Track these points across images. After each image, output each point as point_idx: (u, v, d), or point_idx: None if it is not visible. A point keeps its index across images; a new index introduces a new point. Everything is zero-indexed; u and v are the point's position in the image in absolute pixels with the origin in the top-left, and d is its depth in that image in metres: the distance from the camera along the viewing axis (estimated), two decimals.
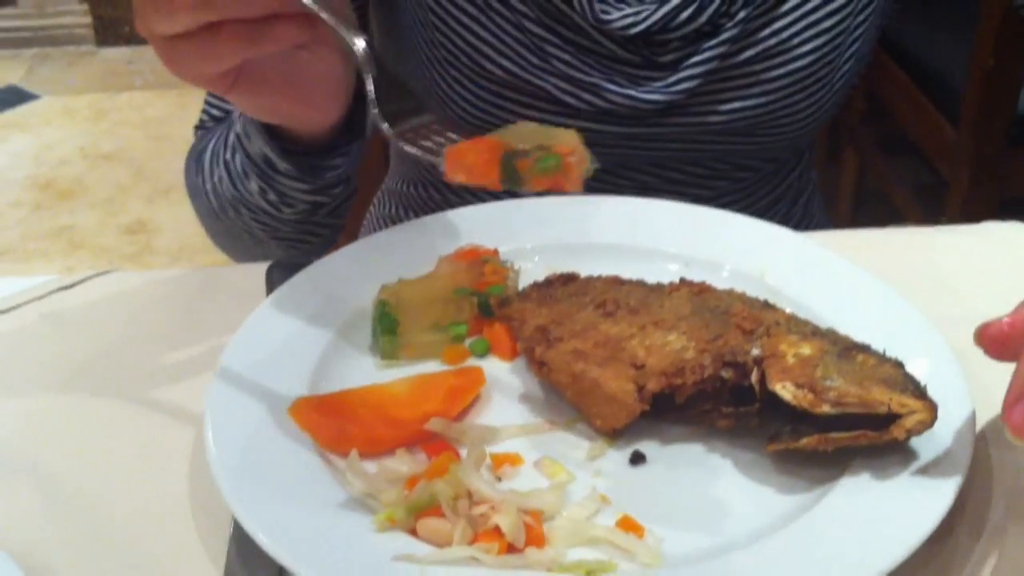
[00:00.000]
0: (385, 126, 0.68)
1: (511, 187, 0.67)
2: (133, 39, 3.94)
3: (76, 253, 2.94)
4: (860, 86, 2.35)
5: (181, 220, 3.02)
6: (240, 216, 0.92)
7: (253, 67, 0.71)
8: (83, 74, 3.85)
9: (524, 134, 0.68)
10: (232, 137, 0.88)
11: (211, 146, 0.93)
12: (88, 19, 3.92)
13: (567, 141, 0.67)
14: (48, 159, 3.36)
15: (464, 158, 0.66)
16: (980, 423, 0.67)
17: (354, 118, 0.84)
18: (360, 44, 0.67)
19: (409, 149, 0.67)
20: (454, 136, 0.69)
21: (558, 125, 0.92)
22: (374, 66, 0.68)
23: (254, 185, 0.87)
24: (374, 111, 0.68)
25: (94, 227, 3.06)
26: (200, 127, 1.00)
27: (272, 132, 0.83)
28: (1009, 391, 0.57)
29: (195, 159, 0.96)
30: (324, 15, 0.66)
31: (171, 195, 3.13)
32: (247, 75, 0.72)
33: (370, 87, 0.68)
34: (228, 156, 0.89)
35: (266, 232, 0.92)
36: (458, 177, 0.66)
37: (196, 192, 0.96)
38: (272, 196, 0.87)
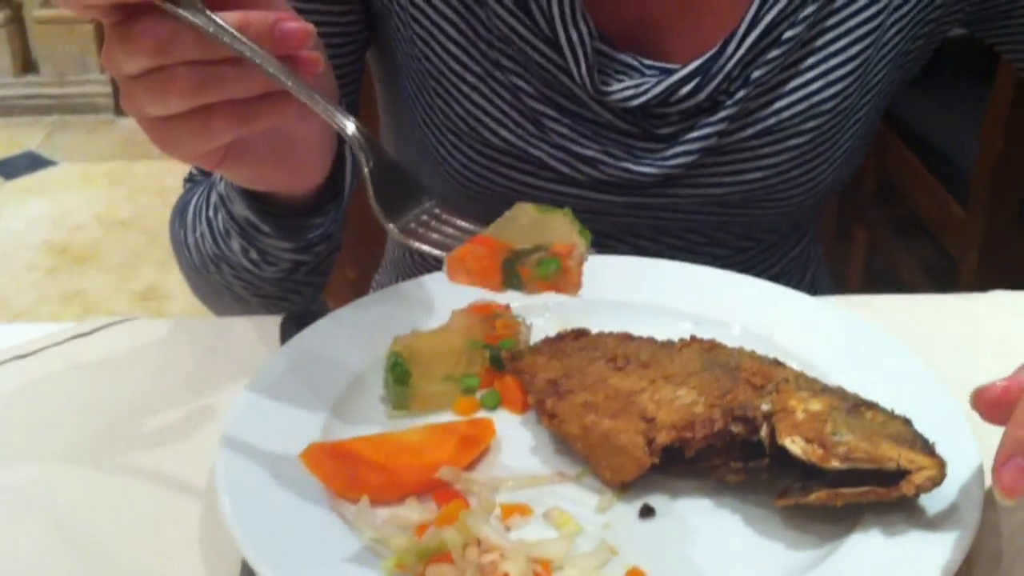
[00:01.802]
0: (391, 227, 0.66)
1: (512, 289, 0.67)
2: None
3: (88, 317, 2.95)
4: (870, 165, 2.38)
5: None
6: (221, 272, 0.92)
7: (244, 142, 0.70)
8: (102, 142, 3.90)
9: (522, 227, 0.67)
10: (215, 196, 0.88)
11: (194, 201, 0.93)
12: (108, 88, 3.98)
13: (563, 234, 0.66)
14: (64, 224, 3.40)
15: (465, 263, 0.66)
16: (989, 481, 0.67)
17: (335, 177, 0.83)
18: (350, 127, 0.66)
19: (414, 245, 0.66)
20: (457, 222, 0.67)
21: (556, 192, 0.94)
22: (368, 150, 0.66)
23: (236, 244, 0.87)
24: (373, 204, 0.66)
25: (107, 292, 3.08)
26: (189, 180, 1.00)
27: (254, 195, 0.82)
28: (999, 452, 0.58)
29: (179, 213, 0.96)
30: (314, 100, 0.64)
31: None
32: (238, 150, 0.71)
33: (368, 183, 0.66)
34: (210, 214, 0.89)
35: (247, 290, 0.92)
36: (460, 281, 0.66)
37: (179, 246, 0.96)
38: (254, 255, 0.87)
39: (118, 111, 4.01)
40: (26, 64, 4.04)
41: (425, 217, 0.67)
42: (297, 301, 0.94)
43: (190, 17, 0.60)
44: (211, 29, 0.60)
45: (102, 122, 4.02)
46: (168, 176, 3.62)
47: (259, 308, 0.95)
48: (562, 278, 0.65)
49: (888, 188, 2.41)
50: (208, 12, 0.61)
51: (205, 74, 0.62)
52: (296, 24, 0.62)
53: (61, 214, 3.46)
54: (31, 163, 3.72)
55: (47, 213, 3.46)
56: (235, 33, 0.61)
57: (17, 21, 4.01)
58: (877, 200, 2.52)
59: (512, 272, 0.65)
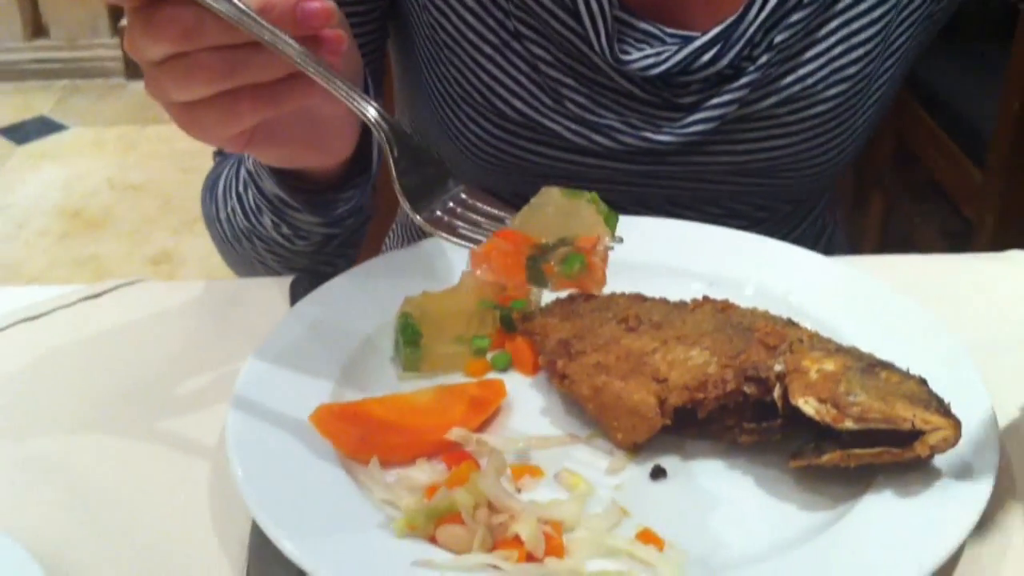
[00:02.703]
0: (417, 218, 0.65)
1: (536, 286, 0.67)
2: None
3: (101, 282, 2.96)
4: (888, 130, 2.36)
5: (206, 251, 3.04)
6: (254, 247, 0.92)
7: (269, 123, 0.70)
8: (113, 106, 3.90)
9: (547, 216, 0.66)
10: (244, 172, 0.88)
11: (224, 176, 0.93)
12: (119, 52, 3.96)
13: (589, 224, 0.66)
14: (77, 189, 3.40)
15: (489, 259, 0.65)
16: (1004, 443, 0.67)
17: (363, 151, 0.83)
18: (372, 113, 0.65)
19: (441, 235, 0.65)
20: (484, 208, 0.67)
21: (571, 163, 0.93)
22: (392, 136, 0.65)
23: (267, 220, 0.87)
24: (399, 194, 0.65)
25: (120, 257, 3.09)
26: (219, 153, 1.00)
27: (283, 172, 0.82)
28: None
29: (209, 187, 0.96)
30: (335, 85, 0.63)
31: (197, 227, 3.15)
32: (262, 131, 0.71)
33: (393, 172, 0.66)
34: (240, 189, 0.89)
35: (280, 263, 0.93)
36: (484, 276, 0.65)
37: (211, 220, 0.96)
38: (285, 230, 0.87)
39: (129, 75, 4.00)
40: (37, 29, 4.03)
41: (451, 204, 0.67)
42: (329, 273, 0.94)
43: (212, 3, 0.60)
44: (233, 14, 0.60)
45: (113, 86, 4.01)
46: (180, 140, 3.58)
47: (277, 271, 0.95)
48: (587, 275, 0.65)
49: (905, 152, 2.39)
50: None
51: (229, 59, 0.62)
52: (318, 4, 0.62)
53: (73, 179, 3.46)
54: (43, 128, 3.72)
55: (59, 178, 3.46)
56: (257, 17, 0.60)
57: None
58: (894, 164, 2.51)
59: (537, 270, 0.65)
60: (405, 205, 0.65)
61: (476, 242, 0.65)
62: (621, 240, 0.66)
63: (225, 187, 0.92)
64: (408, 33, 0.99)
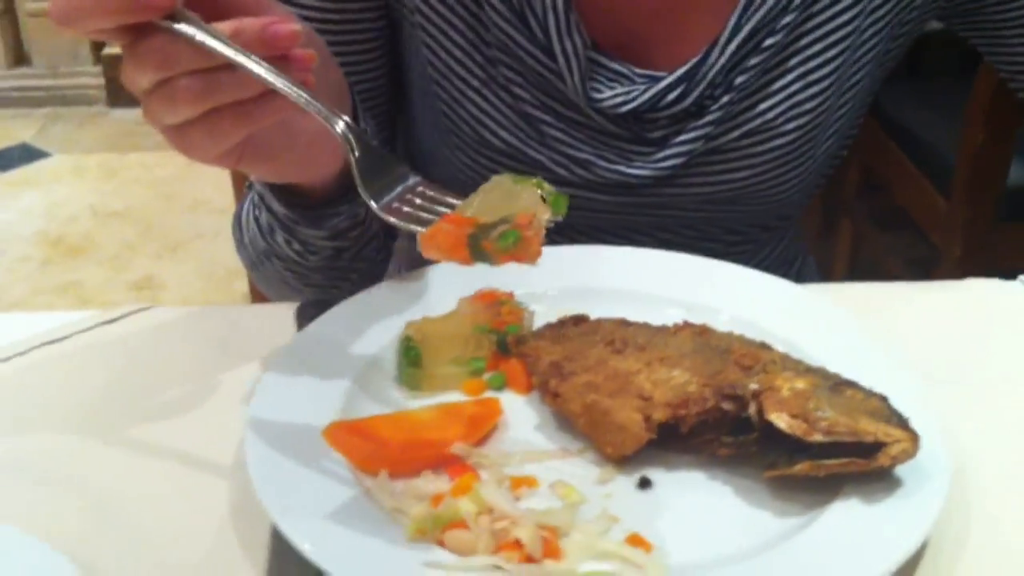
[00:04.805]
0: (372, 204, 0.71)
1: (481, 262, 0.71)
2: None
3: (83, 308, 2.98)
4: (856, 160, 2.43)
5: (187, 277, 3.09)
6: (274, 265, 0.98)
7: (256, 139, 0.76)
8: (94, 134, 3.94)
9: (493, 200, 0.71)
10: (255, 196, 0.95)
11: (246, 204, 1.00)
12: (100, 80, 4.01)
13: (530, 204, 0.71)
14: (58, 215, 3.43)
15: (435, 240, 0.70)
16: (958, 453, 0.73)
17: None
18: (339, 126, 0.71)
19: (391, 221, 0.71)
20: (438, 197, 0.72)
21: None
22: (355, 142, 0.71)
23: (280, 237, 0.93)
24: (361, 189, 0.71)
25: (102, 283, 3.11)
26: (248, 187, 1.06)
27: (284, 190, 0.88)
28: None
29: (237, 217, 1.03)
30: (301, 97, 0.68)
31: (178, 252, 3.19)
32: (252, 147, 0.76)
33: (354, 168, 0.71)
34: (256, 213, 0.96)
35: (298, 280, 0.98)
36: (433, 257, 0.71)
37: (240, 246, 1.03)
38: (296, 246, 0.93)
39: (110, 103, 4.05)
40: (19, 56, 4.07)
41: (409, 196, 0.72)
42: (347, 288, 0.99)
43: (186, 30, 0.66)
44: (206, 40, 0.66)
45: (95, 114, 4.05)
46: (161, 167, 3.66)
47: (314, 297, 1.00)
48: (522, 248, 0.70)
49: (873, 182, 2.46)
50: (203, 25, 0.66)
51: (206, 82, 0.67)
52: (285, 27, 0.68)
53: (55, 206, 3.49)
54: (24, 155, 3.75)
55: (40, 205, 3.49)
56: (227, 41, 0.66)
57: (10, 13, 4.04)
58: (862, 193, 2.57)
59: (477, 247, 0.70)
60: (364, 195, 0.71)
61: (427, 225, 0.70)
62: (560, 218, 0.71)
63: (246, 213, 0.99)
64: (404, 69, 1.05)
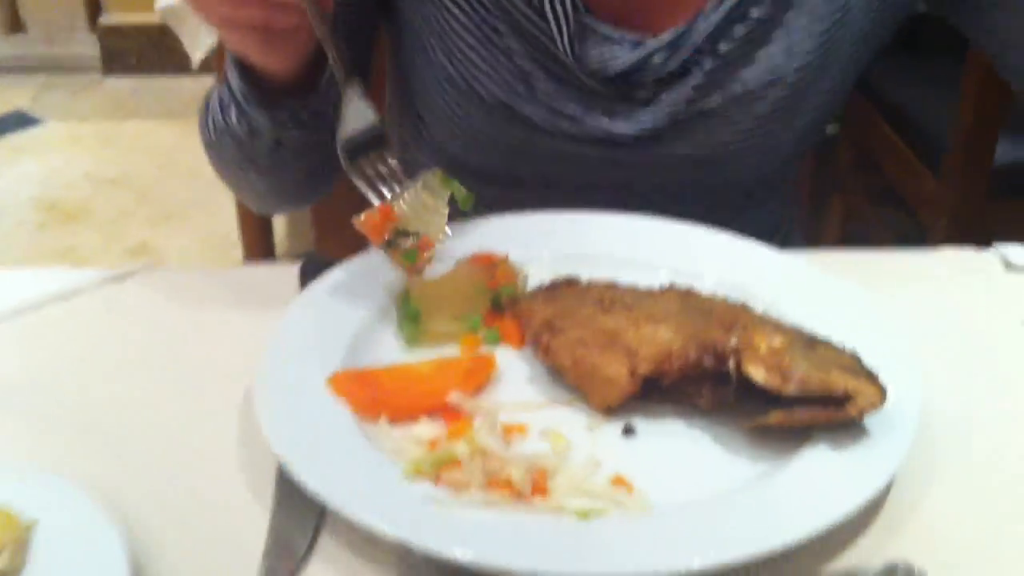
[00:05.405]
0: (342, 154, 0.90)
1: (385, 252, 0.90)
2: (139, 69, 4.06)
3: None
4: (847, 138, 2.46)
5: (183, 244, 3.13)
6: (225, 144, 1.05)
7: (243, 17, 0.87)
8: (89, 102, 3.96)
9: (423, 198, 0.91)
10: (225, 74, 1.02)
11: (216, 90, 1.06)
12: (96, 49, 4.03)
13: (438, 226, 0.90)
14: (53, 182, 3.45)
15: (366, 225, 0.88)
16: (925, 405, 0.78)
17: (314, 79, 0.97)
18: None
19: (353, 178, 0.89)
20: (395, 174, 0.91)
21: (543, 145, 1.07)
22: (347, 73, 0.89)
23: (233, 113, 1.01)
24: (338, 147, 0.89)
25: (98, 249, 3.14)
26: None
27: (249, 71, 0.98)
28: None
29: (205, 99, 1.09)
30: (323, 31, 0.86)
31: (174, 220, 3.23)
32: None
33: (345, 124, 0.90)
34: (221, 90, 1.03)
35: (245, 162, 1.06)
36: (360, 231, 0.88)
37: (202, 127, 1.09)
38: (244, 126, 1.01)
39: (105, 71, 4.06)
40: (14, 24, 4.08)
41: (381, 166, 0.90)
42: (292, 192, 1.14)
43: None
44: None
45: (90, 82, 4.07)
46: (154, 135, 3.69)
47: (258, 186, 1.11)
48: (413, 266, 0.89)
49: (864, 159, 2.48)
50: None
51: None
52: None
53: (50, 173, 3.51)
54: (20, 122, 3.78)
55: (36, 172, 3.51)
56: None
57: None
58: (853, 171, 2.61)
59: (389, 244, 0.89)
60: (342, 158, 0.89)
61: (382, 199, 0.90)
62: (448, 235, 0.91)
63: (216, 93, 1.05)
64: (401, 25, 1.10)
